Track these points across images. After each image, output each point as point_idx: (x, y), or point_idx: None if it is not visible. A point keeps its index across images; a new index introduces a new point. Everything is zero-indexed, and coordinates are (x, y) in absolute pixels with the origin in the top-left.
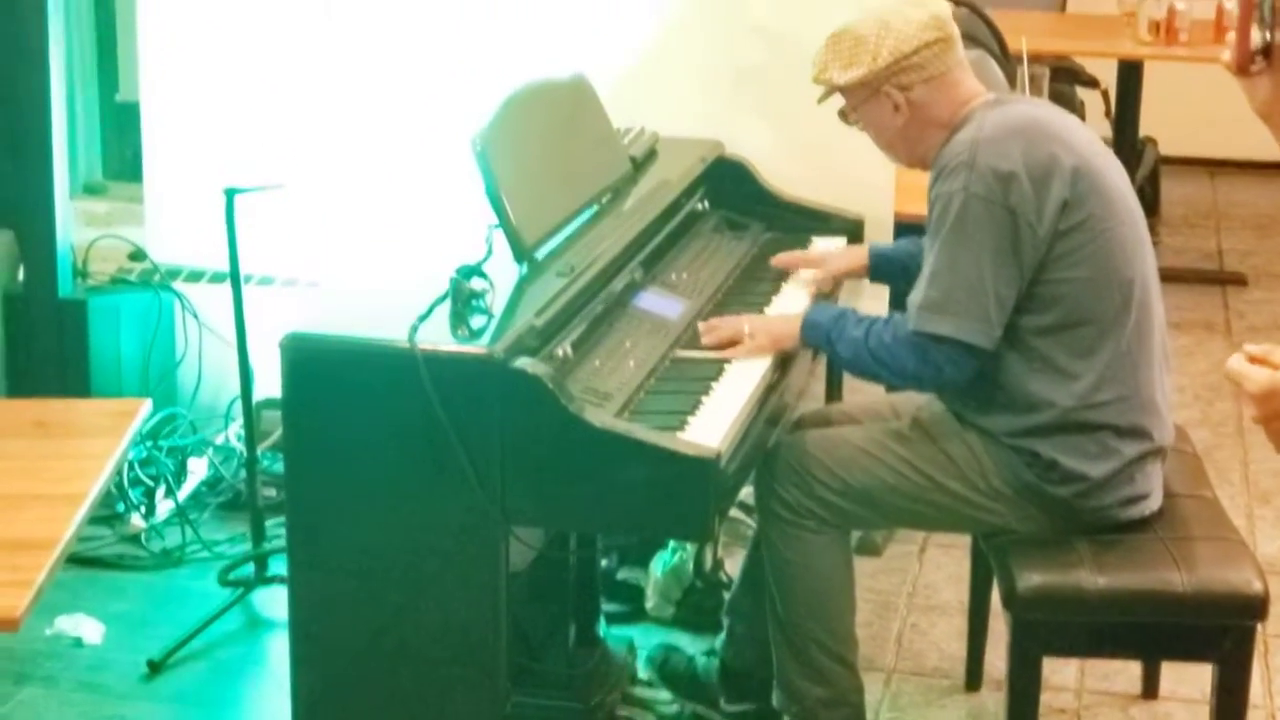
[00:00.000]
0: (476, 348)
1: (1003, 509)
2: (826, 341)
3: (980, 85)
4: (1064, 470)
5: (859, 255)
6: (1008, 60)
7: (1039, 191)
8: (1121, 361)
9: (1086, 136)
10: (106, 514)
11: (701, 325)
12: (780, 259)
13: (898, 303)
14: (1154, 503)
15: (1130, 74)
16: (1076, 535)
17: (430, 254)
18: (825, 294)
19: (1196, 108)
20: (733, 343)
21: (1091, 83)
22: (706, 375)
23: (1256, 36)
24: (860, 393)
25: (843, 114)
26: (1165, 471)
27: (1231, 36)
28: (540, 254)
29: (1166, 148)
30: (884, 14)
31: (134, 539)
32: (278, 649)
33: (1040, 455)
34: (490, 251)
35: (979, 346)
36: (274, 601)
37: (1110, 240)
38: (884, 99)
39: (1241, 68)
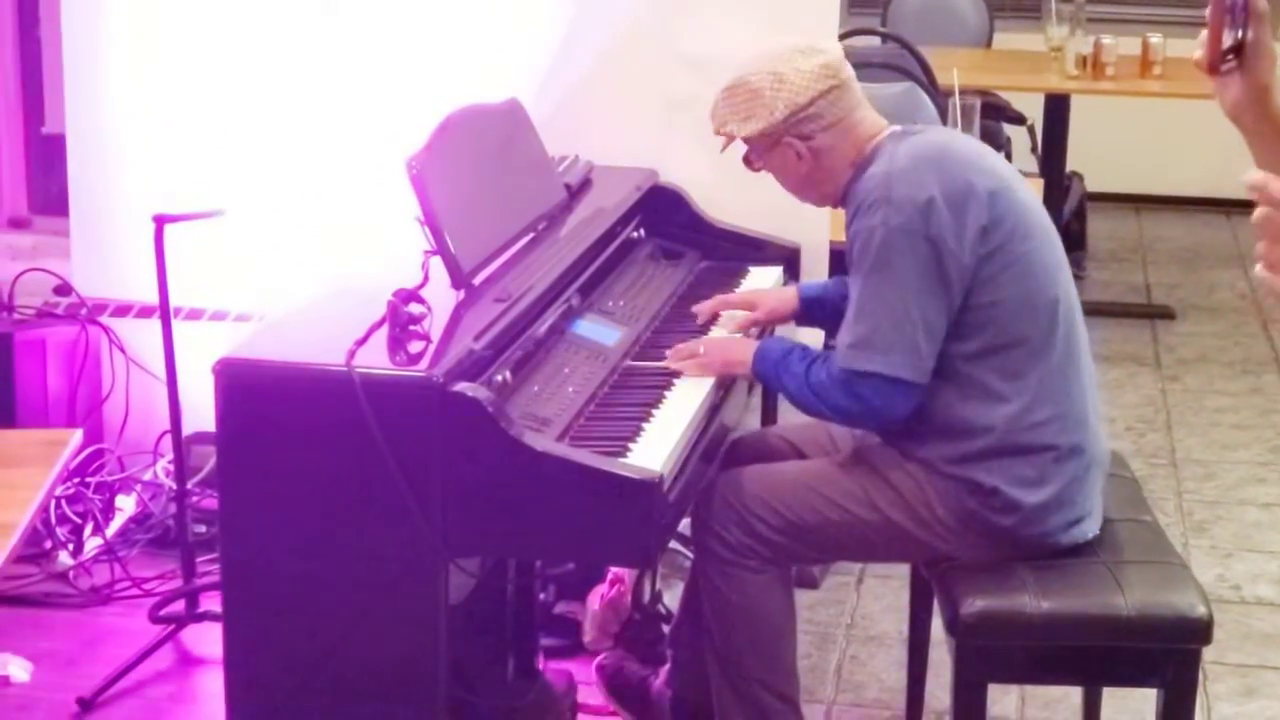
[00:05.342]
0: (416, 371)
1: (946, 538)
2: (775, 375)
3: (883, 119)
4: (1006, 498)
5: (788, 300)
6: (937, 93)
7: (958, 217)
8: (1053, 380)
9: (997, 160)
10: (33, 552)
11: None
12: (704, 307)
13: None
14: (1093, 525)
15: (1057, 109)
16: (1018, 561)
17: (364, 280)
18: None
19: (1122, 143)
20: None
21: (1018, 119)
22: (647, 402)
23: (1227, 36)
24: (795, 415)
25: (747, 161)
26: (1105, 495)
27: (1203, 36)
28: (477, 280)
29: (1093, 183)
30: (776, 65)
31: (61, 577)
32: (210, 686)
33: (981, 484)
34: (427, 277)
35: (908, 380)
36: (205, 638)
37: (1031, 261)
38: (785, 148)
39: (1213, 67)
